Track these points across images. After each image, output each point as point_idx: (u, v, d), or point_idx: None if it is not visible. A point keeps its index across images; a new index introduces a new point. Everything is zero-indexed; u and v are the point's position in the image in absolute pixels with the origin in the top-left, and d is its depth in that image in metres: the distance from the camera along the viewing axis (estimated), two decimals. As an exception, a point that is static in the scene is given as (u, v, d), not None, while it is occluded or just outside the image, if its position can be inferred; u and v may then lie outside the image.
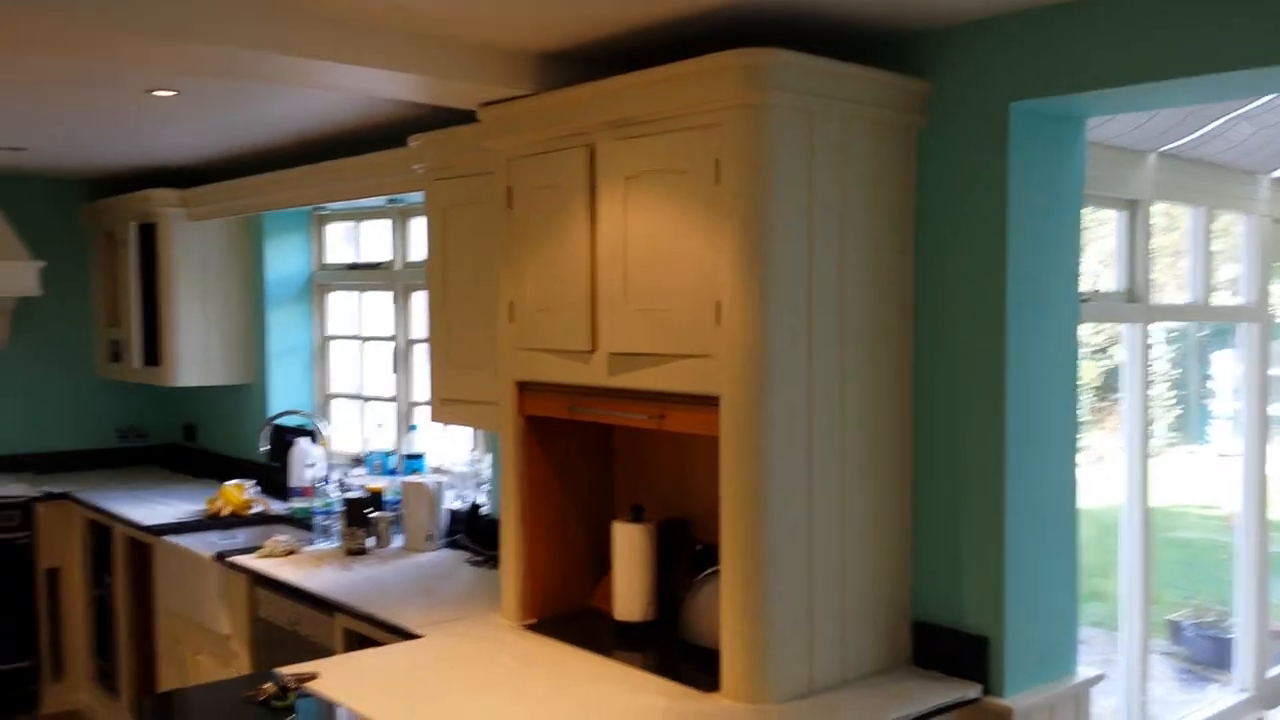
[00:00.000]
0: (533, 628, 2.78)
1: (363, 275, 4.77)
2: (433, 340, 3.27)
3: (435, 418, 3.32)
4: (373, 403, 4.74)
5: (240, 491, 4.36)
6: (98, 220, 5.33)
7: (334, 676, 2.40)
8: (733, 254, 2.25)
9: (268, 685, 2.29)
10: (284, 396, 4.95)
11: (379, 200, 4.43)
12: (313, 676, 2.37)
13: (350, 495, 3.67)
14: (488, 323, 3.03)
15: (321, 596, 3.17)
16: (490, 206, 2.98)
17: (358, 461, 4.48)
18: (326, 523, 3.79)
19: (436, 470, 4.02)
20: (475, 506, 3.70)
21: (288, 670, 2.40)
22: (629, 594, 2.70)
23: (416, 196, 4.27)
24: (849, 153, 2.38)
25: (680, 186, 2.35)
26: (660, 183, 2.39)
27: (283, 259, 4.96)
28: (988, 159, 2.39)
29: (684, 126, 2.34)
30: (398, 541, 3.75)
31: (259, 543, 4.07)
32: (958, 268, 2.46)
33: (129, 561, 4.50)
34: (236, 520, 4.28)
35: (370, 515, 3.67)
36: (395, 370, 4.57)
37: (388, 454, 4.24)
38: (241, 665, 3.62)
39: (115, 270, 5.25)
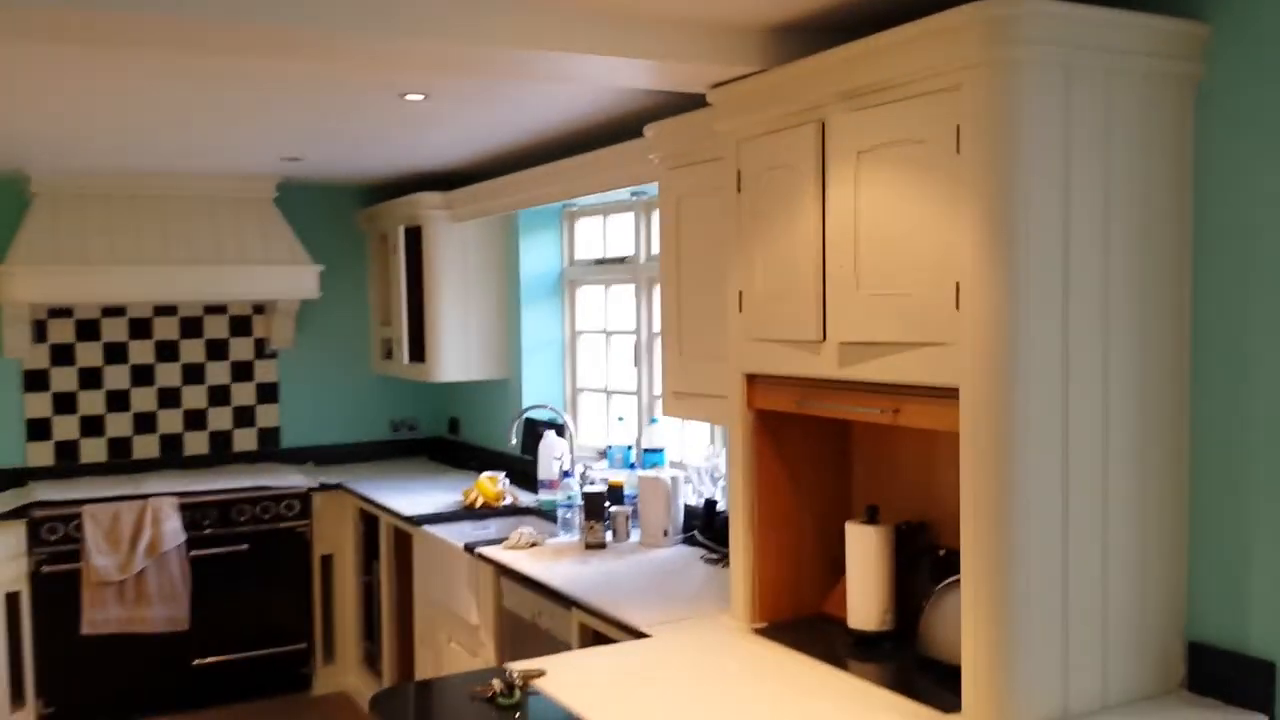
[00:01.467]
0: (762, 632, 2.65)
1: (608, 270, 4.78)
2: (666, 332, 3.21)
3: (668, 411, 3.25)
4: (616, 396, 4.75)
5: (493, 483, 4.47)
6: (372, 224, 5.64)
7: (561, 675, 2.36)
8: (974, 231, 2.03)
9: (495, 682, 2.27)
10: (536, 390, 5.05)
11: (624, 194, 4.43)
12: (540, 674, 2.34)
13: (590, 489, 3.66)
14: (719, 314, 2.93)
15: (559, 590, 3.17)
16: (722, 194, 2.88)
17: (601, 455, 4.49)
18: (569, 515, 3.81)
19: (674, 465, 3.96)
20: (711, 503, 3.61)
21: (516, 667, 2.38)
22: (864, 601, 2.52)
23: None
24: (1112, 113, 2.10)
25: (916, 159, 2.15)
26: (895, 156, 2.20)
27: (536, 256, 5.06)
28: (1287, 114, 2.05)
29: (921, 92, 2.14)
30: (635, 536, 3.72)
31: (507, 534, 4.17)
32: (1250, 250, 2.12)
33: (394, 550, 4.72)
34: (489, 512, 4.38)
35: (609, 509, 3.64)
36: (636, 364, 4.55)
37: (628, 448, 4.22)
38: (488, 655, 3.69)
39: (388, 271, 5.54)
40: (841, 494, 2.81)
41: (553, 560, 3.49)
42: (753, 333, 2.61)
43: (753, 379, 2.65)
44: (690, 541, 3.61)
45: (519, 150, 4.53)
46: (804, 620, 2.71)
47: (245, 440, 5.61)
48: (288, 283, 5.21)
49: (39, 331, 5.17)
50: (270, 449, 5.64)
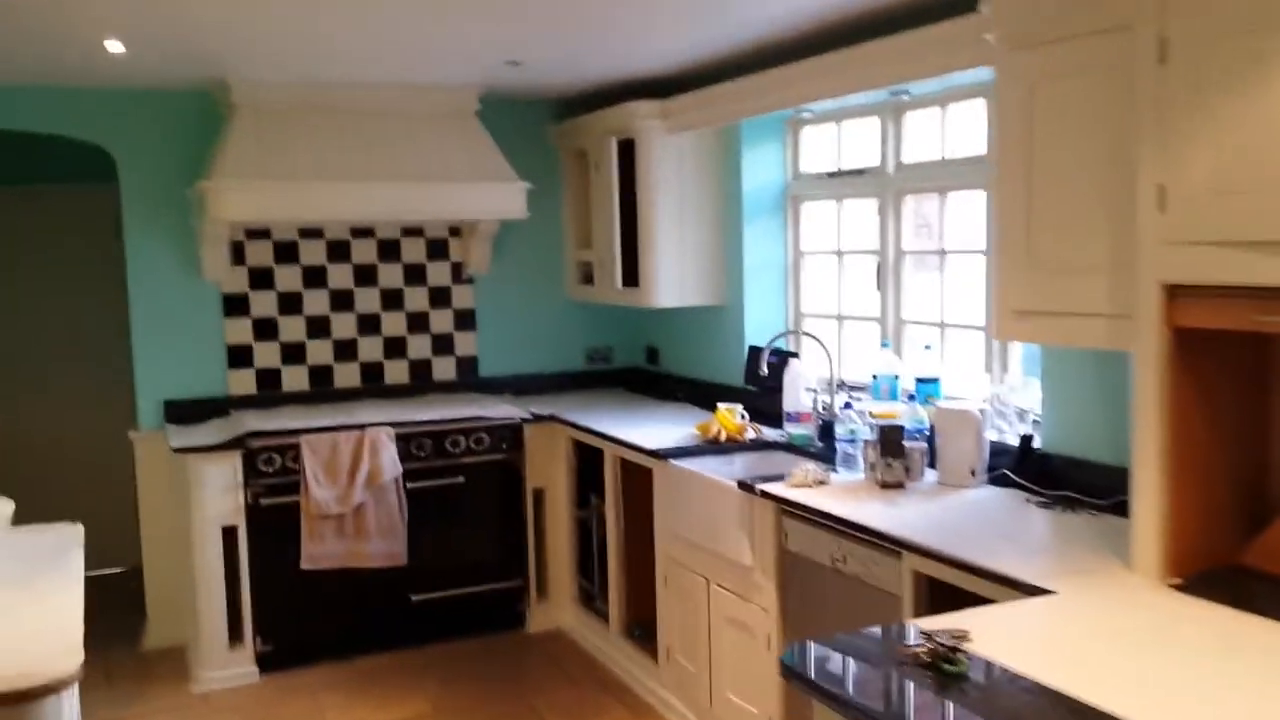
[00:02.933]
0: (1182, 588, 2.27)
1: (844, 183, 4.37)
2: (1002, 244, 2.80)
3: (1003, 335, 2.86)
4: (852, 323, 4.37)
5: (733, 415, 4.13)
6: (569, 140, 5.29)
7: (987, 637, 2.02)
8: None
9: (923, 645, 1.94)
10: (757, 317, 4.70)
11: (862, 98, 4.01)
12: (964, 635, 2.00)
13: (887, 424, 3.30)
14: (1093, 218, 2.52)
15: (886, 534, 2.82)
16: (1106, 75, 2.45)
17: (848, 386, 4.12)
18: (851, 451, 3.45)
19: (952, 398, 3.57)
20: (1027, 439, 3.22)
21: (939, 627, 2.04)
22: (1329, 554, 2.12)
23: (921, 87, 3.83)
24: None
25: None
26: None
27: (758, 169, 4.66)
28: None
29: None
30: (929, 476, 3.35)
31: (760, 470, 3.85)
32: None
33: (621, 484, 4.43)
34: (733, 446, 4.05)
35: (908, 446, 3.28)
36: (880, 286, 4.16)
37: (894, 378, 3.84)
38: (766, 600, 3.39)
39: (586, 191, 5.20)
40: (1259, 429, 2.40)
41: (852, 500, 3.15)
42: (1185, 234, 2.19)
43: (1176, 291, 2.24)
44: (1000, 482, 3.24)
45: (742, 53, 4.13)
46: (1222, 573, 2.32)
47: (444, 369, 5.37)
48: (495, 201, 4.90)
49: (237, 254, 4.96)
50: (469, 378, 5.40)
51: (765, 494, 3.31)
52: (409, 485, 4.64)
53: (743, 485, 3.43)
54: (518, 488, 4.91)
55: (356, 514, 4.56)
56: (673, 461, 3.92)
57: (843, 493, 3.23)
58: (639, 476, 4.31)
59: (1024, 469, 3.19)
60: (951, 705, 1.79)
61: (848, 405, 3.50)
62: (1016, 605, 2.23)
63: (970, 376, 3.76)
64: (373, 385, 5.23)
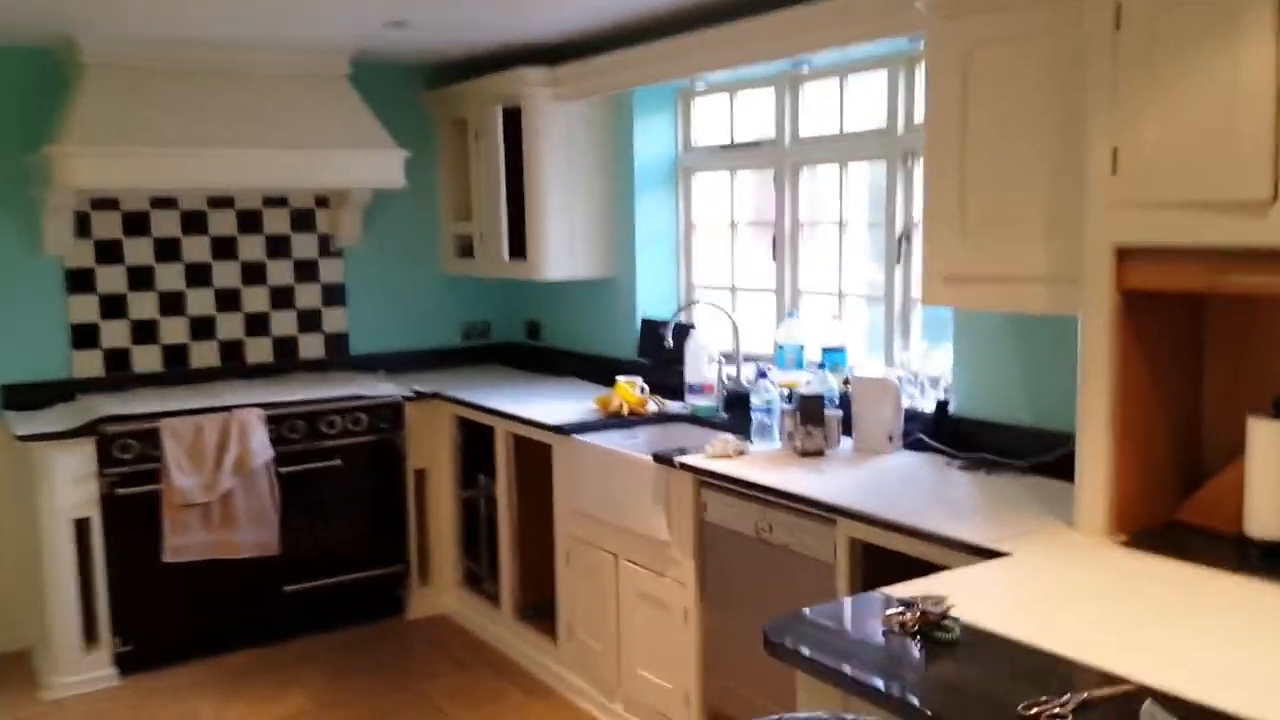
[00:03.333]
0: (1131, 545, 2.32)
1: (738, 155, 4.34)
2: (934, 211, 2.81)
3: (933, 300, 2.87)
4: (746, 294, 4.35)
5: (633, 389, 4.05)
6: (446, 107, 5.08)
7: (960, 602, 1.99)
8: None
9: (911, 612, 1.90)
10: (649, 289, 4.63)
11: (760, 69, 3.99)
12: (943, 601, 1.97)
13: (808, 392, 3.28)
14: (1031, 183, 2.55)
15: (819, 500, 2.79)
16: (1045, 41, 2.48)
17: (748, 357, 4.10)
18: (766, 421, 3.42)
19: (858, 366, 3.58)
20: (943, 404, 3.25)
21: (919, 593, 2.01)
22: (1270, 504, 2.20)
23: (821, 59, 3.83)
24: None
25: None
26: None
27: (650, 140, 4.58)
28: None
29: None
30: (844, 443, 3.35)
31: (666, 443, 3.79)
32: None
33: (514, 462, 4.29)
34: (636, 420, 3.97)
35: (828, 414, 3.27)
36: (776, 257, 4.15)
37: (799, 347, 3.84)
38: (682, 572, 3.32)
39: (465, 160, 5.01)
40: (1193, 389, 2.47)
41: (774, 469, 3.11)
42: (1136, 196, 2.22)
43: (1126, 253, 2.28)
44: (916, 447, 3.26)
45: (637, 21, 4.04)
46: (1161, 530, 2.39)
47: (312, 346, 5.08)
48: (370, 169, 4.65)
49: (82, 226, 4.55)
50: (339, 356, 5.13)
51: (685, 466, 3.24)
52: (281, 469, 4.37)
53: (659, 458, 3.35)
54: (398, 469, 4.70)
55: (224, 502, 4.26)
56: (576, 437, 3.80)
57: (764, 462, 3.20)
58: (534, 453, 4.18)
59: (940, 433, 3.23)
60: (957, 672, 1.76)
61: (762, 375, 3.46)
62: (977, 569, 2.23)
63: (868, 345, 3.79)
64: (233, 365, 4.90)
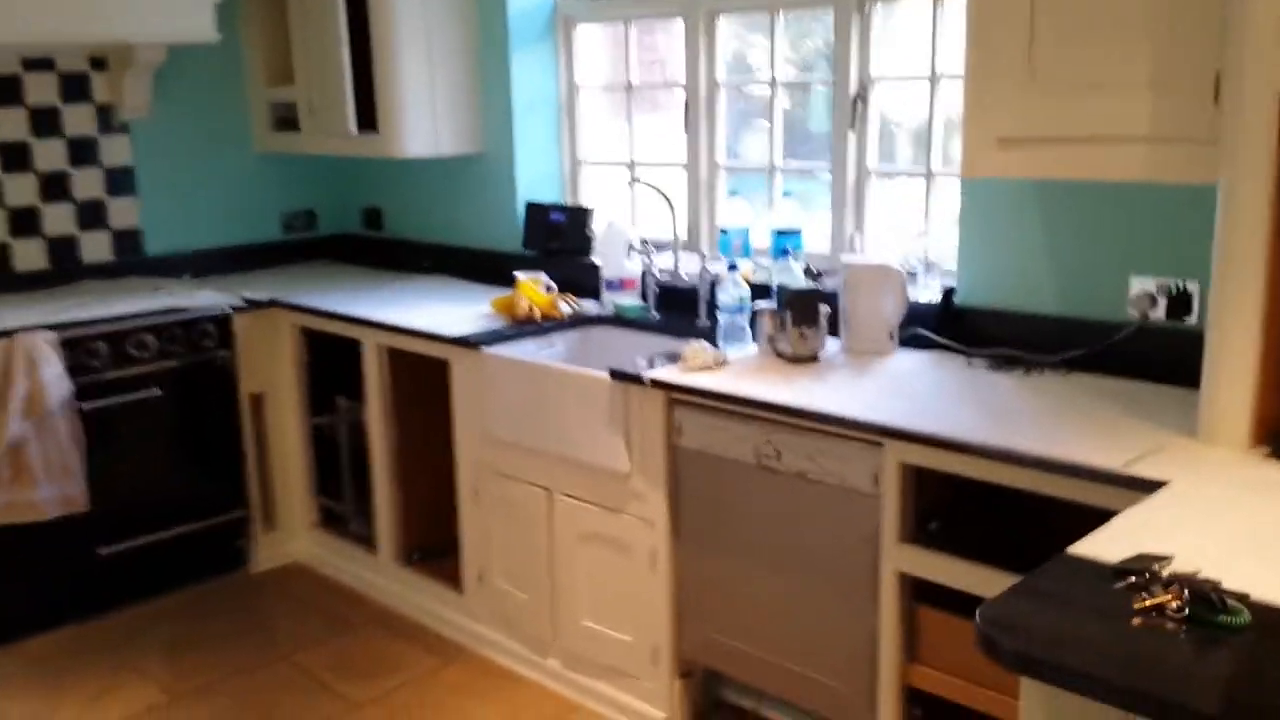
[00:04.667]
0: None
1: (635, 1, 3.67)
2: (987, 56, 2.28)
3: (978, 169, 2.37)
4: (648, 170, 3.74)
5: (539, 288, 3.39)
6: (251, -58, 4.09)
7: (1180, 555, 1.54)
8: None
9: (1163, 590, 1.42)
10: (529, 167, 3.92)
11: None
12: (1167, 559, 1.51)
13: (798, 287, 2.74)
14: (1132, 22, 2.07)
15: (858, 420, 2.29)
16: None
17: (655, 244, 3.52)
18: (741, 323, 2.86)
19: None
20: (948, 293, 2.80)
21: (1124, 553, 1.53)
22: None
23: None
24: None
25: None
26: None
27: (520, -13, 3.82)
28: None
29: None
30: (831, 344, 2.85)
31: (592, 351, 3.22)
32: None
33: (390, 382, 3.55)
34: (552, 325, 3.32)
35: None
36: (689, 128, 3.56)
37: (744, 230, 3.28)
38: (649, 509, 2.77)
39: (281, 11, 4.06)
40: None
41: (770, 381, 2.58)
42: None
43: (1296, 106, 1.84)
44: (918, 345, 2.81)
45: None
46: (1296, 436, 2.03)
47: (97, 247, 4.07)
48: (167, 16, 3.65)
49: None
50: (132, 258, 4.14)
51: (657, 384, 2.65)
52: (84, 406, 3.45)
53: (619, 374, 2.74)
54: (229, 396, 3.85)
55: (14, 454, 3.32)
56: (487, 350, 3.12)
57: (753, 373, 2.65)
58: (413, 370, 3.47)
59: (943, 328, 2.79)
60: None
61: (733, 267, 2.89)
62: (1150, 508, 1.78)
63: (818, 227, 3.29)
64: (-2, 274, 3.86)
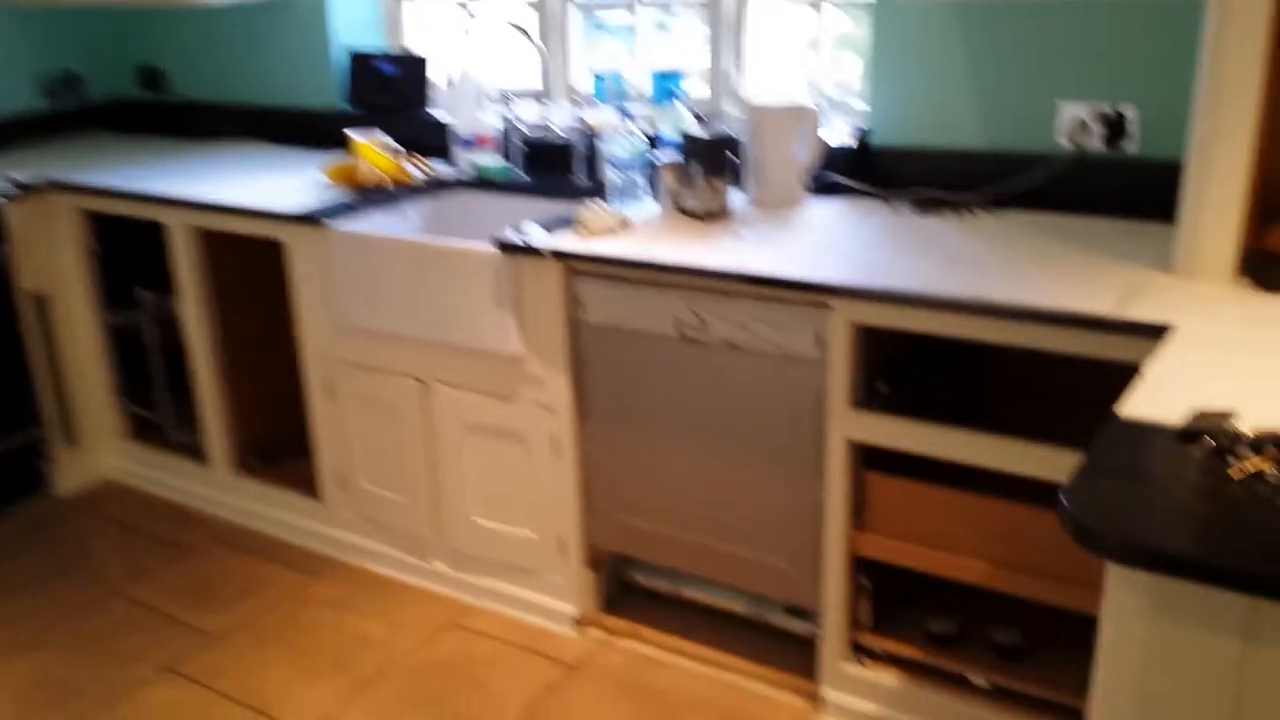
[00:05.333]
0: (1270, 288, 1.84)
1: None
2: None
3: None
4: (487, 6, 3.31)
5: (382, 150, 2.94)
6: None
7: (1241, 406, 1.40)
8: None
9: (1248, 456, 1.26)
10: (340, 6, 3.40)
11: None
12: (1231, 415, 1.36)
13: (705, 135, 2.43)
14: None
15: (802, 281, 2.05)
16: None
17: (512, 94, 3.13)
18: (636, 179, 2.55)
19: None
20: (864, 133, 2.57)
21: (1206, 411, 1.37)
22: None
23: None
24: None
25: None
26: None
27: None
28: None
29: None
30: (735, 197, 2.58)
31: (455, 219, 2.85)
32: None
33: (207, 270, 3.05)
34: (403, 193, 2.89)
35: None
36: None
37: (617, 75, 2.93)
38: (548, 394, 2.47)
39: None
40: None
41: (685, 242, 2.30)
42: None
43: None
44: (830, 191, 2.58)
45: None
46: (1260, 263, 1.93)
47: None
48: None
49: None
50: None
51: (556, 254, 2.32)
52: None
53: (506, 246, 2.38)
54: (5, 298, 3.24)
55: None
56: (330, 225, 2.68)
57: (663, 235, 2.36)
58: (234, 254, 3.00)
59: (859, 171, 2.57)
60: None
61: (627, 115, 2.55)
62: (1169, 357, 1.62)
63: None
64: None
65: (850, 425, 2.12)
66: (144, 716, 2.46)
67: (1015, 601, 2.08)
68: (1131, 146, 2.28)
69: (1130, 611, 1.25)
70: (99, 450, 3.53)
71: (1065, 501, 1.24)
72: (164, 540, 3.19)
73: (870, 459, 2.16)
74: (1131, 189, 2.24)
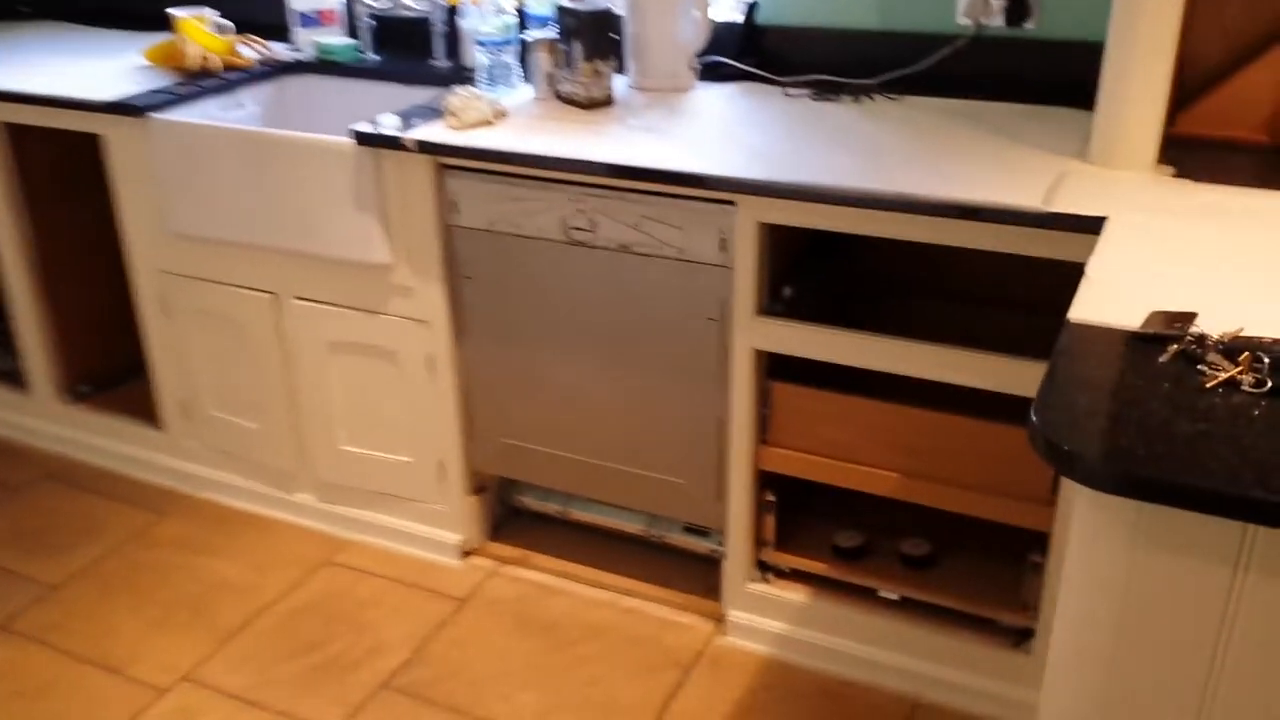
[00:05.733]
0: (1184, 176, 1.75)
1: None
2: None
3: None
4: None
5: (207, 28, 2.58)
6: None
7: (1199, 306, 1.30)
8: None
9: (1220, 360, 1.16)
10: None
11: None
12: (1191, 316, 1.26)
13: (585, 10, 2.18)
14: None
15: (704, 175, 1.86)
16: None
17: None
18: (508, 61, 2.29)
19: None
20: (751, 9, 2.36)
21: (1164, 311, 1.26)
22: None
23: None
24: None
25: None
26: None
27: None
28: None
29: None
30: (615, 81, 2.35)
31: (295, 109, 2.56)
32: None
33: (15, 170, 2.66)
34: (239, 78, 2.55)
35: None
36: None
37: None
38: (421, 306, 2.24)
39: None
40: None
41: (573, 133, 2.07)
42: None
43: None
44: (717, 76, 2.38)
45: None
46: (1177, 146, 1.85)
47: None
48: None
49: None
50: None
51: (425, 147, 2.06)
52: None
53: (365, 138, 2.11)
54: None
55: None
56: (155, 116, 2.34)
57: (542, 124, 2.13)
58: (45, 151, 2.63)
59: (746, 53, 2.37)
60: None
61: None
62: (1109, 254, 1.50)
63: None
64: None
65: (757, 334, 1.97)
66: (-27, 684, 2.19)
67: (922, 511, 2.00)
68: (1034, 26, 2.15)
69: (1108, 540, 1.14)
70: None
71: (1037, 421, 1.11)
72: (-19, 479, 2.85)
73: (772, 369, 2.03)
74: (1036, 71, 2.12)
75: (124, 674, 2.19)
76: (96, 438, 2.86)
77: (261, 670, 2.19)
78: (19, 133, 2.60)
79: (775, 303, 1.98)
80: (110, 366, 2.91)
